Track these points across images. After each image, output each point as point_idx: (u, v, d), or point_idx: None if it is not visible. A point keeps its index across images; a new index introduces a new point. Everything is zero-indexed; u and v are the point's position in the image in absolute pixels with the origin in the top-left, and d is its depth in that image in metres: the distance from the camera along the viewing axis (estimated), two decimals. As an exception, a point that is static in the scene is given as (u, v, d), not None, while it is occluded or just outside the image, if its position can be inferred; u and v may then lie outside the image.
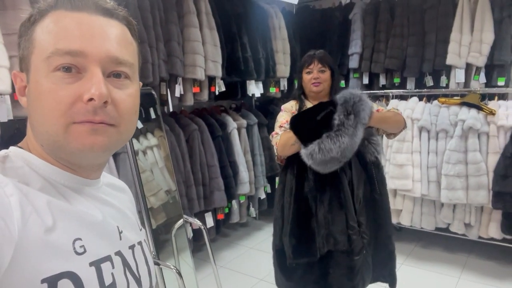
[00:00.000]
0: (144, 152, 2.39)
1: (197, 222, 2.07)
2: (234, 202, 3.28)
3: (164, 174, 2.34)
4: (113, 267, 0.54)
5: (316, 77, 1.81)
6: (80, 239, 0.50)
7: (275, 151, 1.81)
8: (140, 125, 2.31)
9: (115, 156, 2.42)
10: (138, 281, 0.60)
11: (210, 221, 3.05)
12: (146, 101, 2.27)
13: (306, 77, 1.85)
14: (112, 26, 0.54)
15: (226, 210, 3.27)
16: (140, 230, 0.68)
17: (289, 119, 1.80)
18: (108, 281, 0.52)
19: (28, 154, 0.54)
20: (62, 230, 0.49)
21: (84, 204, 0.55)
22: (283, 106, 1.93)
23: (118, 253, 0.57)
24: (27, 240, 0.44)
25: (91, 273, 0.50)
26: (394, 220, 3.10)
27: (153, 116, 2.34)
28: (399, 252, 3.11)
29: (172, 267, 1.53)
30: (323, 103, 1.69)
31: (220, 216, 3.17)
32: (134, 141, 2.30)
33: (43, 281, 0.44)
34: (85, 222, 0.53)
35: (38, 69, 0.51)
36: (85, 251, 0.50)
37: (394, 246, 1.84)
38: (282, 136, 1.74)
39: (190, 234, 2.87)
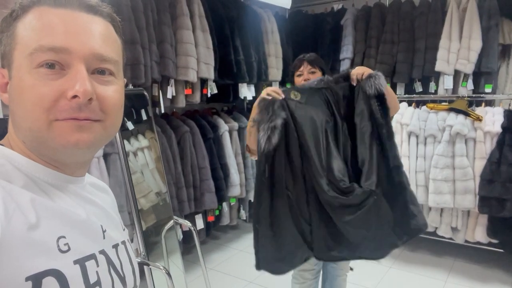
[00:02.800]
0: (135, 154, 2.38)
1: (187, 224, 2.07)
2: (224, 204, 3.28)
3: (154, 176, 2.33)
4: (97, 265, 0.54)
5: (306, 78, 1.83)
6: (64, 237, 0.50)
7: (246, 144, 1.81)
8: (131, 126, 2.31)
9: (106, 156, 2.42)
10: (122, 280, 0.59)
11: (200, 223, 3.05)
12: (138, 102, 2.27)
13: (297, 79, 1.87)
14: (96, 23, 0.54)
15: (217, 213, 3.27)
16: (124, 230, 0.68)
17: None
18: (93, 279, 0.52)
19: (9, 151, 0.52)
20: (46, 228, 0.48)
21: (67, 202, 0.54)
22: None
23: (102, 252, 0.56)
24: (10, 237, 0.43)
25: (76, 271, 0.50)
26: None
27: (144, 117, 2.34)
28: (388, 256, 3.15)
29: (162, 267, 1.53)
30: None
31: (211, 218, 3.17)
32: (125, 142, 2.30)
33: (27, 279, 0.44)
34: (69, 220, 0.52)
35: (20, 65, 0.50)
36: (69, 249, 0.50)
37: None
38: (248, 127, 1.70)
39: (180, 236, 2.87)
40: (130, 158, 2.26)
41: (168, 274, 1.52)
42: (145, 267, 1.67)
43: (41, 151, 0.53)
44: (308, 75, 1.83)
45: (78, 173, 0.59)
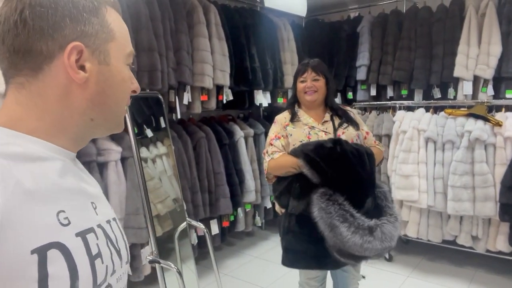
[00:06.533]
0: (154, 160, 2.43)
1: (200, 226, 2.09)
2: (239, 210, 3.29)
3: (172, 182, 2.37)
4: (97, 238, 0.56)
5: (309, 86, 1.82)
6: (63, 211, 0.51)
7: (265, 170, 1.83)
8: (150, 133, 2.36)
9: (123, 160, 2.48)
10: (118, 253, 0.61)
11: (215, 228, 3.07)
12: (157, 109, 2.32)
13: (300, 85, 1.85)
14: None
15: (232, 218, 3.28)
16: (111, 208, 0.69)
17: (279, 133, 1.83)
18: (94, 251, 0.54)
19: (8, 131, 0.53)
20: (46, 202, 0.49)
21: (66, 178, 0.55)
22: (277, 117, 1.92)
23: (99, 226, 0.58)
24: (12, 212, 0.44)
25: (78, 243, 0.52)
26: (400, 232, 3.08)
27: (163, 125, 2.39)
28: (406, 265, 3.10)
29: (173, 266, 1.55)
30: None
31: (225, 224, 3.19)
32: (144, 149, 2.36)
33: (32, 251, 0.45)
34: (67, 195, 0.54)
35: (119, 58, 0.60)
36: (69, 222, 0.51)
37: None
38: (279, 160, 1.75)
39: (195, 241, 2.89)
40: (148, 164, 2.31)
41: (179, 272, 1.54)
42: (157, 268, 1.69)
43: (95, 130, 0.61)
44: (311, 83, 1.82)
45: (77, 149, 0.62)
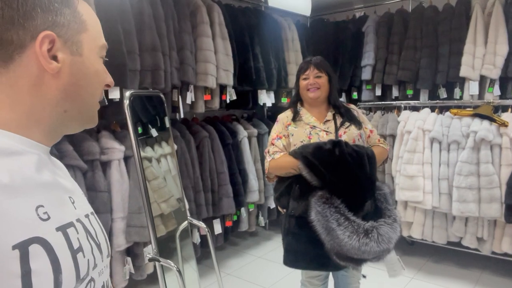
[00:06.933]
0: (158, 160, 2.43)
1: (201, 225, 2.09)
2: (243, 210, 3.29)
3: (176, 182, 2.37)
4: (77, 233, 0.55)
5: (312, 83, 1.80)
6: (42, 206, 0.51)
7: (266, 170, 1.83)
8: (155, 133, 2.37)
9: (126, 159, 2.49)
10: (98, 247, 0.61)
11: (218, 228, 3.07)
12: (162, 109, 2.33)
13: (302, 83, 1.84)
14: None
15: (235, 218, 3.28)
16: (88, 203, 0.69)
17: (281, 132, 1.82)
18: (75, 245, 0.53)
19: None
20: (24, 197, 0.49)
21: (43, 173, 0.55)
22: (279, 116, 1.91)
23: (78, 220, 0.58)
24: None
25: (60, 238, 0.51)
26: (405, 233, 3.05)
27: (167, 125, 2.40)
28: (410, 266, 3.07)
29: (172, 265, 1.55)
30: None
31: (228, 223, 3.18)
32: (149, 149, 2.37)
33: (14, 247, 0.44)
34: (45, 190, 0.53)
35: (92, 49, 0.60)
36: (49, 217, 0.51)
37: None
38: (280, 161, 1.75)
39: (198, 240, 2.89)
40: (153, 163, 2.32)
41: (179, 271, 1.54)
42: (157, 266, 1.69)
43: (69, 123, 0.60)
44: (314, 80, 1.81)
45: (51, 143, 0.61)
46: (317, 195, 1.59)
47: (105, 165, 2.39)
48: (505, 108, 2.79)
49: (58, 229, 0.52)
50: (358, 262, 1.60)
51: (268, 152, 1.81)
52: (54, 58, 0.55)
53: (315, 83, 1.80)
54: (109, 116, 2.48)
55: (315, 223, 1.56)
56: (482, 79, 3.17)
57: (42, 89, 0.55)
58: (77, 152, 2.23)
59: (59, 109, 0.57)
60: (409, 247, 3.35)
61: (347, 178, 1.62)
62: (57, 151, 2.14)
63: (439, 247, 3.08)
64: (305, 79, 1.84)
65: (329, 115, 1.85)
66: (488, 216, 2.63)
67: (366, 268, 1.78)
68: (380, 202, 1.71)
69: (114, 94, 2.32)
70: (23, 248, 0.45)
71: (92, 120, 0.64)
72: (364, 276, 1.96)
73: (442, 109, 3.03)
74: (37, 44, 0.53)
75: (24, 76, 0.54)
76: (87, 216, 0.62)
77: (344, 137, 1.76)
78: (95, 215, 0.66)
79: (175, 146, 2.63)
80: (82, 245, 0.55)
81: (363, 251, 1.51)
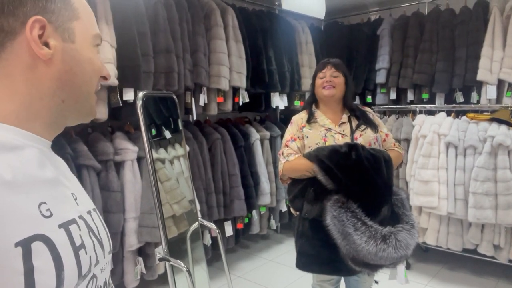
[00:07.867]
0: (171, 162, 2.45)
1: (212, 226, 2.09)
2: (254, 212, 3.28)
3: (189, 184, 2.38)
4: (80, 229, 0.55)
5: (328, 80, 1.79)
6: (45, 203, 0.50)
7: (280, 172, 1.81)
8: (168, 135, 2.39)
9: (139, 160, 2.51)
10: (100, 243, 0.61)
11: (229, 230, 3.07)
12: (175, 111, 2.34)
13: (318, 81, 1.83)
14: None
15: (246, 220, 3.27)
16: (90, 199, 0.69)
17: (295, 134, 1.81)
18: (78, 242, 0.53)
19: None
20: (27, 194, 0.48)
21: (45, 169, 0.55)
22: (293, 118, 1.90)
23: (81, 217, 0.57)
24: None
25: (62, 235, 0.51)
26: (419, 239, 2.99)
27: (181, 127, 2.41)
28: (424, 273, 3.01)
29: (182, 265, 1.55)
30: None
31: (240, 226, 3.18)
32: (162, 150, 2.38)
33: (16, 244, 0.44)
34: (48, 186, 0.53)
35: (85, 38, 0.60)
36: (51, 214, 0.50)
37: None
38: (294, 163, 1.73)
39: (209, 242, 2.90)
40: (166, 165, 2.33)
41: (188, 271, 1.54)
42: (166, 266, 1.70)
43: (67, 114, 0.60)
44: (330, 78, 1.79)
45: (52, 137, 0.61)
46: (333, 199, 1.56)
47: (119, 166, 2.42)
48: (524, 113, 2.72)
49: (60, 226, 0.51)
50: (374, 267, 1.57)
51: (282, 154, 1.80)
52: (46, 45, 0.54)
53: (331, 81, 1.79)
54: (123, 118, 2.51)
55: (331, 228, 1.53)
56: (500, 83, 3.09)
57: (36, 77, 0.55)
58: (91, 152, 2.26)
59: (57, 99, 0.57)
60: (423, 254, 3.28)
61: (364, 182, 1.59)
62: (72, 151, 2.18)
63: (454, 254, 3.01)
64: (321, 77, 1.83)
65: (344, 118, 1.83)
66: (505, 223, 2.56)
67: (378, 274, 1.76)
68: (397, 207, 1.68)
69: (128, 96, 2.35)
70: (25, 245, 0.45)
71: (90, 111, 0.64)
72: (376, 282, 1.93)
73: (459, 114, 2.97)
74: (28, 29, 0.52)
75: (17, 64, 0.53)
76: (89, 212, 0.62)
77: (360, 140, 1.74)
78: (97, 211, 0.66)
79: (188, 148, 2.65)
80: (84, 242, 0.55)
81: (380, 257, 1.48)
